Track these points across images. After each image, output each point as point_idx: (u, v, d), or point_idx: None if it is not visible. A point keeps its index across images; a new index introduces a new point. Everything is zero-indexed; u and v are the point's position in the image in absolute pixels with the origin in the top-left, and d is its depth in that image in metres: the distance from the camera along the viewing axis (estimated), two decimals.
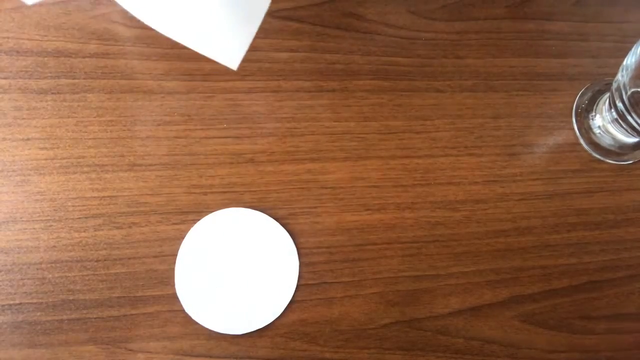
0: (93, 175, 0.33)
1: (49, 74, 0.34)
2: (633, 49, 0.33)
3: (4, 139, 0.33)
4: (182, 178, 0.34)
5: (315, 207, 0.35)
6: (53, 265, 0.32)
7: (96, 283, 0.32)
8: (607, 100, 0.36)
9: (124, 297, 0.32)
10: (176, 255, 0.33)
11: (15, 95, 0.34)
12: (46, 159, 0.33)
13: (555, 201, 0.37)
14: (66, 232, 0.33)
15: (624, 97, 0.34)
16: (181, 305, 0.32)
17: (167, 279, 0.33)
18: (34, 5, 0.35)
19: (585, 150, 0.38)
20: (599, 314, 0.35)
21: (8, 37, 0.35)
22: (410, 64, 0.38)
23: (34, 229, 0.32)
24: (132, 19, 0.35)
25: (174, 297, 0.32)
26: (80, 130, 0.34)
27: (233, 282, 0.33)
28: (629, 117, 0.34)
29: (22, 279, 0.32)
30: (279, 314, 0.33)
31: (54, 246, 0.32)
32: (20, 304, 0.32)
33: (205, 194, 0.34)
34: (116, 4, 0.31)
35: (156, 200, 0.34)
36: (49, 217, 0.33)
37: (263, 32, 0.36)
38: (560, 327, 0.35)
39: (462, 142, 0.37)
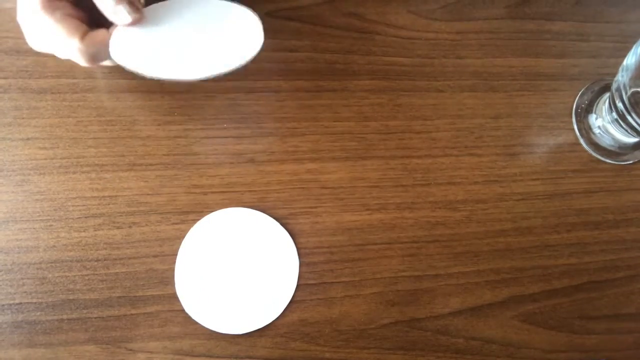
0: (93, 175, 0.33)
1: (49, 74, 0.34)
2: (633, 49, 0.33)
3: (4, 138, 0.33)
4: (182, 178, 0.34)
5: (315, 207, 0.35)
6: (53, 265, 0.32)
7: (96, 283, 0.32)
8: (607, 100, 0.36)
9: (124, 297, 0.32)
10: (176, 255, 0.33)
11: (15, 94, 0.34)
12: (46, 159, 0.33)
13: (555, 201, 0.37)
14: (66, 232, 0.33)
15: (624, 97, 0.34)
16: (181, 305, 0.32)
17: (167, 278, 0.33)
18: None
19: (585, 151, 0.38)
20: (599, 314, 0.35)
21: (8, 37, 0.35)
22: (410, 64, 0.38)
23: (34, 228, 0.32)
24: None
25: (174, 297, 0.32)
26: (80, 130, 0.34)
27: (233, 282, 0.33)
28: (629, 117, 0.34)
29: (22, 279, 0.32)
30: (279, 313, 0.33)
31: (54, 246, 0.32)
32: (20, 303, 0.32)
33: (205, 193, 0.34)
34: None
35: (156, 200, 0.34)
36: (48, 217, 0.33)
37: (263, 32, 0.36)
38: (560, 327, 0.35)
39: (462, 142, 0.37)
